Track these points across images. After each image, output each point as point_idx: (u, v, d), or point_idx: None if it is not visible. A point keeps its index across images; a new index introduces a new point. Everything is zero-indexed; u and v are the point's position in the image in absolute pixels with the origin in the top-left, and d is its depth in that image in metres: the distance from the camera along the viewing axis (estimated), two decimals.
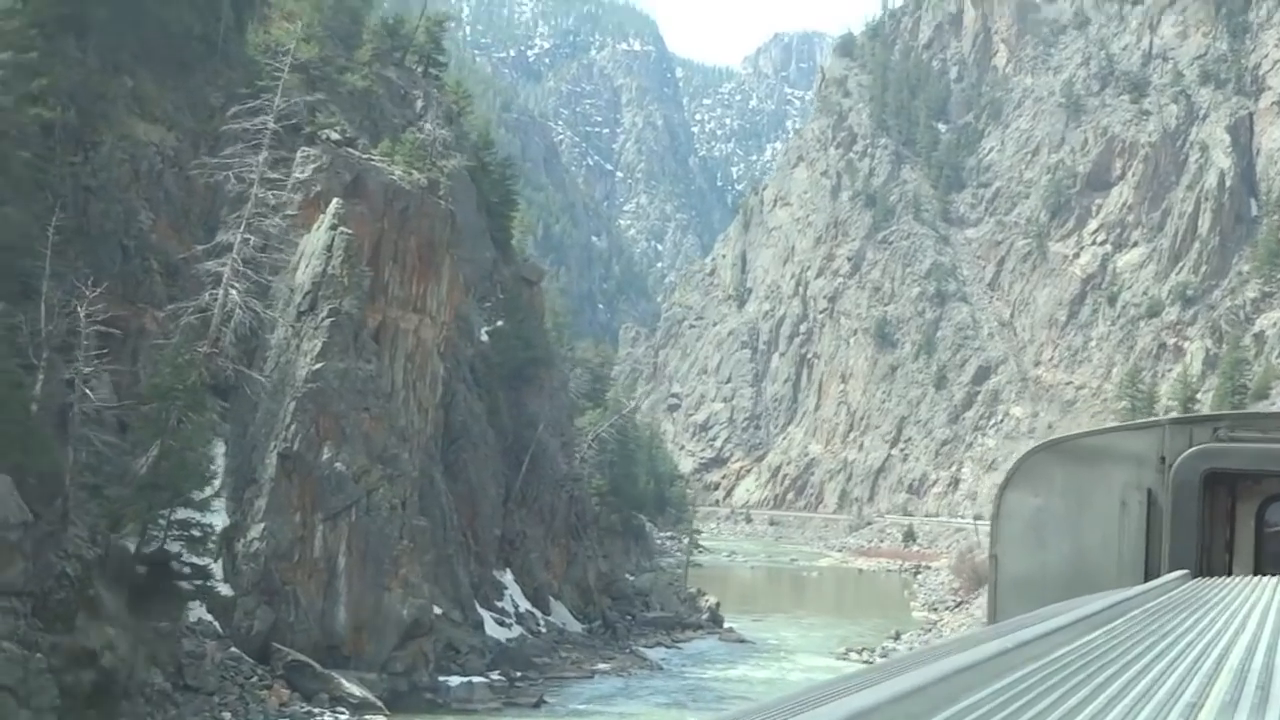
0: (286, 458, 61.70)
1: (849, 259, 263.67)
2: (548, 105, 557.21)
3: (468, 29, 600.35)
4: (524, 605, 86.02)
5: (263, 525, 61.10)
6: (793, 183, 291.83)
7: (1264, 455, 14.76)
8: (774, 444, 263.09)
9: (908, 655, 6.53)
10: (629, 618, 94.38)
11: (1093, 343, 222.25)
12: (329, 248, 64.60)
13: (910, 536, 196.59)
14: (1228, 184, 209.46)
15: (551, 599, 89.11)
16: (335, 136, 70.81)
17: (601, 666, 78.85)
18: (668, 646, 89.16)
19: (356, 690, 59.41)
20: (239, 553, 60.95)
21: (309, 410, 62.37)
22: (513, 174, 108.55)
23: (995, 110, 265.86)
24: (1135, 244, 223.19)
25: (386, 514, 63.66)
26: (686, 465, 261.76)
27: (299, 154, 69.01)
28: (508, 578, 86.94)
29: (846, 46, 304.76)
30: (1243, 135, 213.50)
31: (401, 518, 64.52)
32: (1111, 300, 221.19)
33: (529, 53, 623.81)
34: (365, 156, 70.96)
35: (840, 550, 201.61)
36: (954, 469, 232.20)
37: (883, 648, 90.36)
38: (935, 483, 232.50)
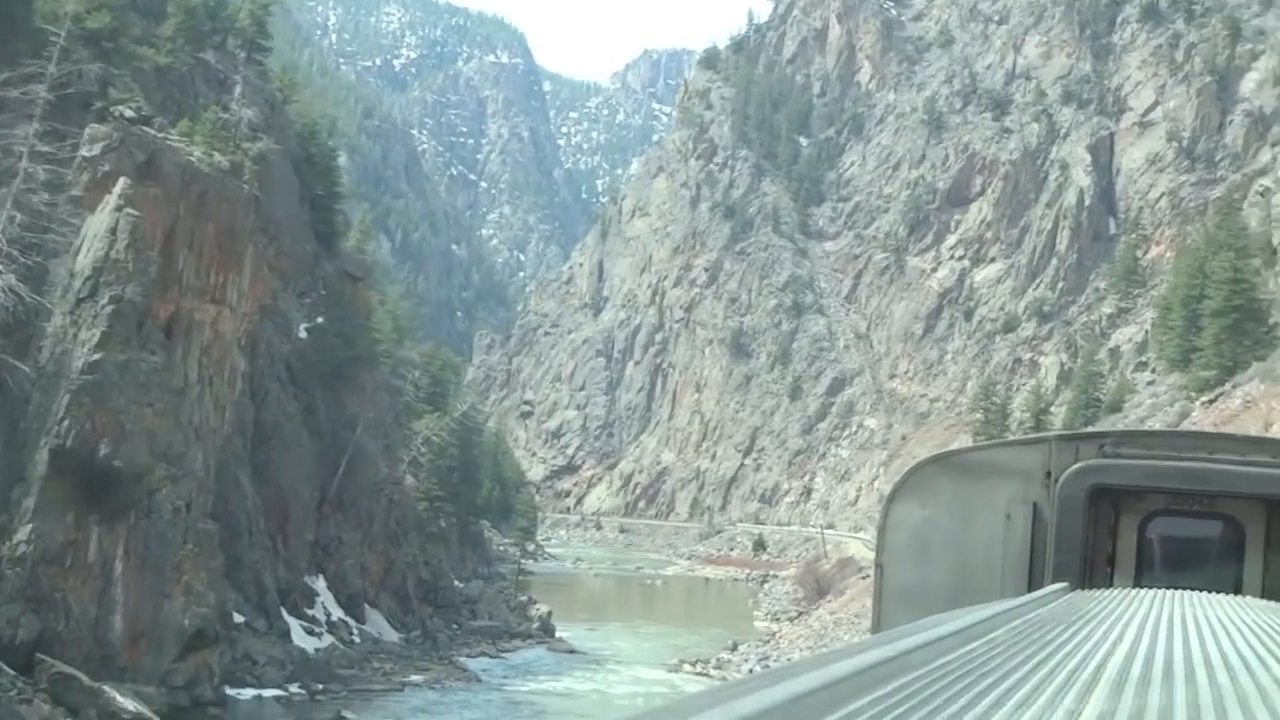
0: (59, 455, 56.74)
1: (706, 269, 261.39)
2: (412, 114, 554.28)
3: (334, 37, 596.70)
4: (337, 613, 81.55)
5: (30, 527, 56.07)
6: (652, 193, 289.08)
7: (1148, 471, 15.25)
8: (626, 452, 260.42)
9: (790, 664, 6.09)
10: (454, 626, 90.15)
11: (948, 356, 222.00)
12: (113, 230, 59.76)
13: (760, 545, 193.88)
14: (1086, 202, 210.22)
15: (367, 607, 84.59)
16: (129, 114, 65.89)
17: (414, 678, 74.45)
18: (491, 656, 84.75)
19: (130, 705, 54.67)
20: (3, 556, 55.87)
21: (85, 404, 57.49)
22: (337, 165, 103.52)
23: (857, 125, 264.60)
24: (993, 260, 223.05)
25: (170, 516, 58.97)
26: (538, 472, 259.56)
27: (87, 131, 64.05)
28: (320, 584, 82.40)
29: (711, 59, 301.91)
30: (1103, 155, 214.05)
31: (186, 520, 59.85)
32: (968, 315, 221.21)
33: (395, 62, 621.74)
34: (161, 136, 66.11)
35: (689, 558, 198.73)
36: (807, 479, 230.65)
37: (718, 659, 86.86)
38: (788, 492, 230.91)
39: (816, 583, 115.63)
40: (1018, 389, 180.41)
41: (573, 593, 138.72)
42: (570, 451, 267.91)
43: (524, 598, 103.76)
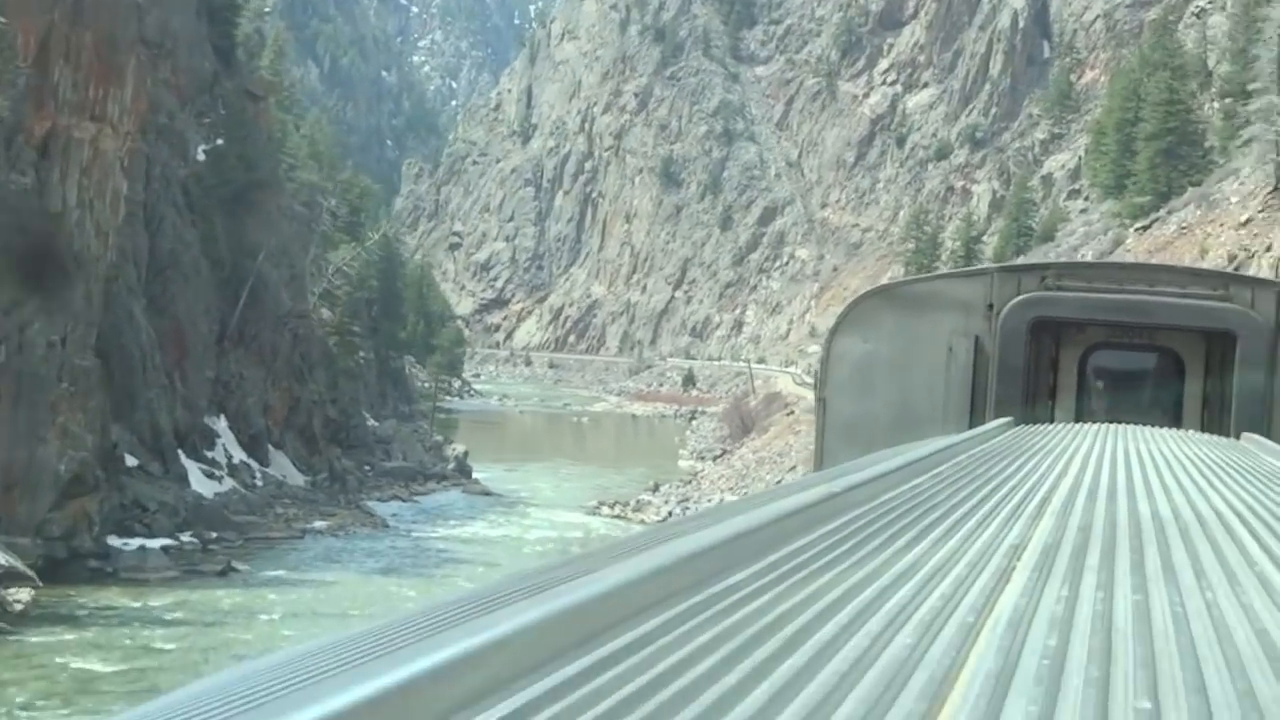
0: None
1: (636, 95, 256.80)
2: None
3: None
4: (239, 455, 77.82)
5: None
6: (581, 15, 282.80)
7: (1089, 304, 15.64)
8: (556, 285, 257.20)
9: (737, 501, 6.68)
10: (365, 468, 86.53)
11: (880, 184, 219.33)
12: None
13: (690, 381, 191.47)
14: (1020, 25, 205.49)
15: (271, 448, 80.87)
16: None
17: (318, 524, 70.99)
18: (403, 500, 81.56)
19: (1, 558, 51.24)
20: None
21: None
22: None
23: None
24: (925, 85, 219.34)
25: (43, 353, 55.14)
26: (467, 306, 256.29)
27: None
28: (221, 424, 78.55)
29: None
30: None
31: (61, 357, 56.03)
32: (900, 142, 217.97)
33: None
34: None
35: (619, 394, 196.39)
36: (738, 312, 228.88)
37: (638, 501, 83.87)
38: (719, 325, 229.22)
39: (741, 420, 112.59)
40: (950, 218, 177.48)
41: (495, 431, 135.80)
42: (499, 284, 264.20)
43: (439, 437, 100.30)
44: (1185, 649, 3.42)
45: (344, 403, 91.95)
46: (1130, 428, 13.45)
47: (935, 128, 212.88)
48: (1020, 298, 15.33)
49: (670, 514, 71.95)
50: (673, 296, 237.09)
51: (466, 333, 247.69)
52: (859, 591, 4.14)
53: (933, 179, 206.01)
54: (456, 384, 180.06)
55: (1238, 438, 14.02)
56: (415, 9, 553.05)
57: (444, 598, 5.28)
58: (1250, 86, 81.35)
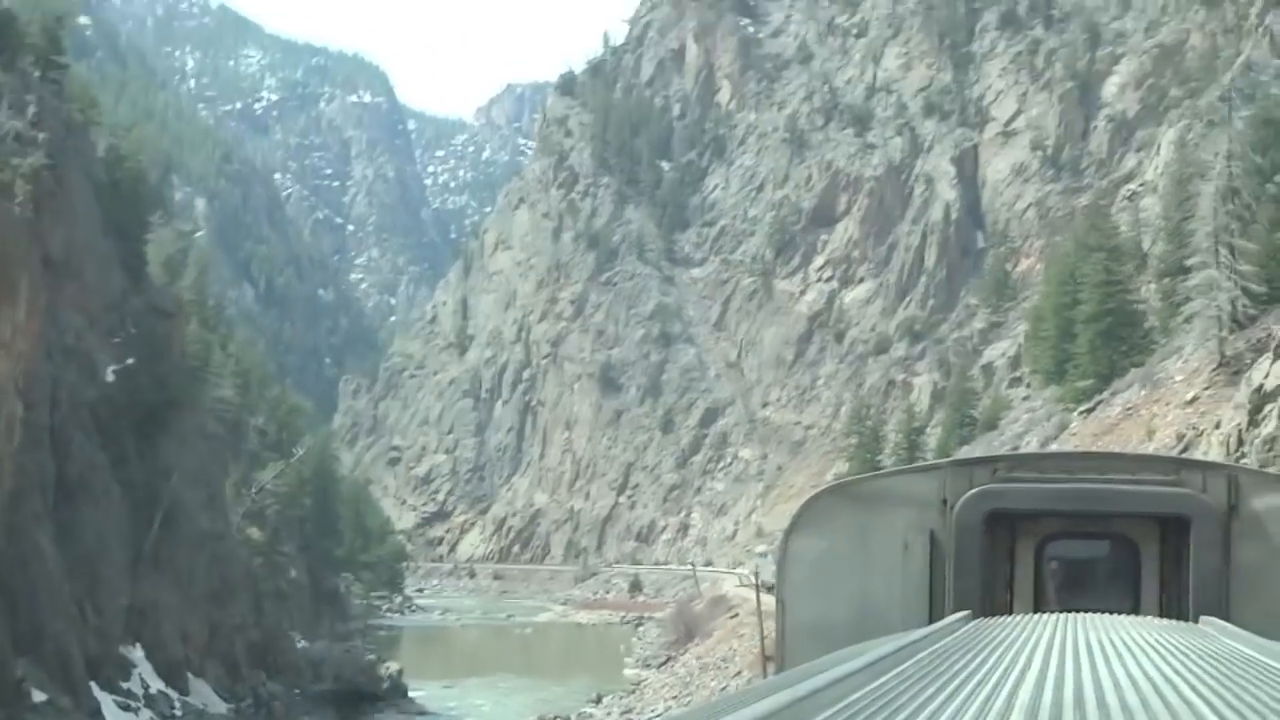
0: None
1: (572, 302, 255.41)
2: (275, 158, 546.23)
3: (192, 82, 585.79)
4: (156, 685, 73.89)
5: None
6: (514, 225, 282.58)
7: (1042, 495, 15.37)
8: (499, 495, 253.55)
9: (701, 706, 6.38)
10: (296, 692, 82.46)
11: (821, 381, 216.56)
12: None
13: (636, 586, 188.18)
14: (953, 216, 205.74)
15: (191, 676, 76.95)
16: None
17: None
18: None
19: None
20: None
21: None
22: (148, 194, 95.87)
23: (719, 147, 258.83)
24: (862, 280, 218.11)
25: None
26: (409, 520, 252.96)
27: None
28: (137, 654, 74.79)
29: (568, 85, 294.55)
30: (968, 167, 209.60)
31: None
32: (839, 337, 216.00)
33: (256, 105, 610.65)
34: None
35: (565, 603, 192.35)
36: (683, 514, 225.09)
37: (579, 714, 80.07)
38: (664, 529, 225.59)
39: (685, 625, 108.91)
40: (892, 411, 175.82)
41: (436, 647, 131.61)
42: (441, 497, 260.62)
43: (372, 655, 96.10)
44: None
45: (270, 625, 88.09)
46: (1089, 616, 13.26)
47: (873, 322, 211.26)
48: (973, 491, 15.11)
49: None
50: (616, 502, 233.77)
51: (409, 547, 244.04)
52: None
53: (873, 373, 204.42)
54: (398, 600, 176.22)
55: (1196, 621, 13.99)
56: (351, 227, 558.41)
57: None
58: (1188, 262, 79.55)
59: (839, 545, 15.47)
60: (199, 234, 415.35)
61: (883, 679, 7.14)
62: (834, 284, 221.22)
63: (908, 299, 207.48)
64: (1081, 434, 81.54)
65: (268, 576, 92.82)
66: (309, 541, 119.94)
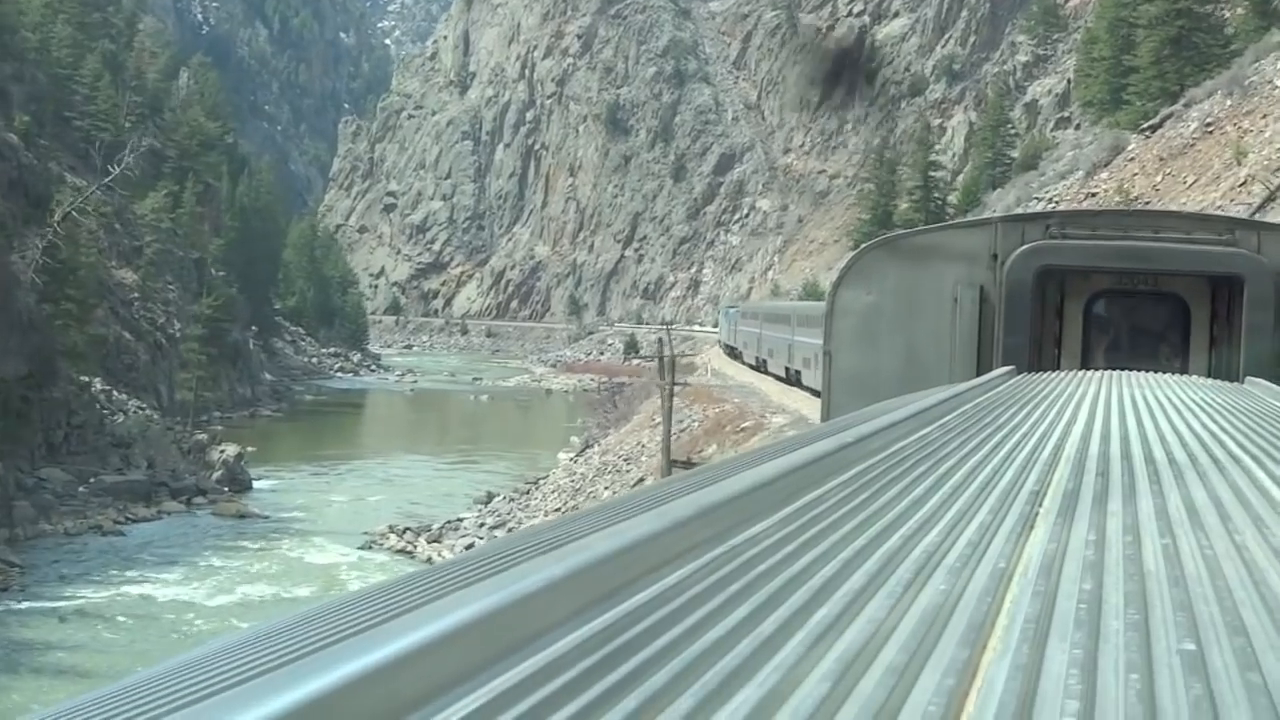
0: None
1: (579, 36, 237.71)
2: None
3: None
4: None
5: None
6: None
7: (1093, 251, 16.21)
8: (498, 246, 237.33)
9: (751, 452, 6.67)
10: (90, 480, 62.79)
11: (848, 126, 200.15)
12: None
13: (632, 347, 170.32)
14: None
15: None
16: None
17: None
18: (102, 532, 56.94)
19: None
20: None
21: None
22: None
23: None
24: (897, 14, 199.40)
25: None
26: (403, 272, 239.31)
27: None
28: None
29: None
30: None
31: None
32: (870, 78, 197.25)
33: None
34: None
35: (553, 365, 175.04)
36: (694, 270, 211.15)
37: (445, 525, 59.38)
38: (673, 286, 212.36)
39: (615, 403, 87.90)
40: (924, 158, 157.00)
41: (351, 419, 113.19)
42: (437, 247, 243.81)
43: (203, 435, 74.93)
44: (1221, 591, 3.46)
45: (75, 396, 68.55)
46: (1133, 374, 14.00)
47: (908, 60, 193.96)
48: (1025, 247, 15.73)
49: (471, 546, 48.86)
50: (622, 255, 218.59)
51: (403, 300, 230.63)
52: (884, 539, 4.12)
53: (906, 117, 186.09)
54: (356, 358, 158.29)
55: (1243, 381, 14.16)
56: None
57: (465, 555, 5.19)
58: None
59: (886, 299, 16.19)
60: None
61: (928, 428, 7.36)
62: (865, 19, 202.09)
63: (947, 35, 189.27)
64: (1142, 158, 61.51)
65: (61, 329, 71.53)
66: (206, 288, 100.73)
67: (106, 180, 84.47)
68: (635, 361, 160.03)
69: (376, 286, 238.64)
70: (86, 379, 73.21)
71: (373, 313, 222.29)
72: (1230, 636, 2.87)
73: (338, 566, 51.89)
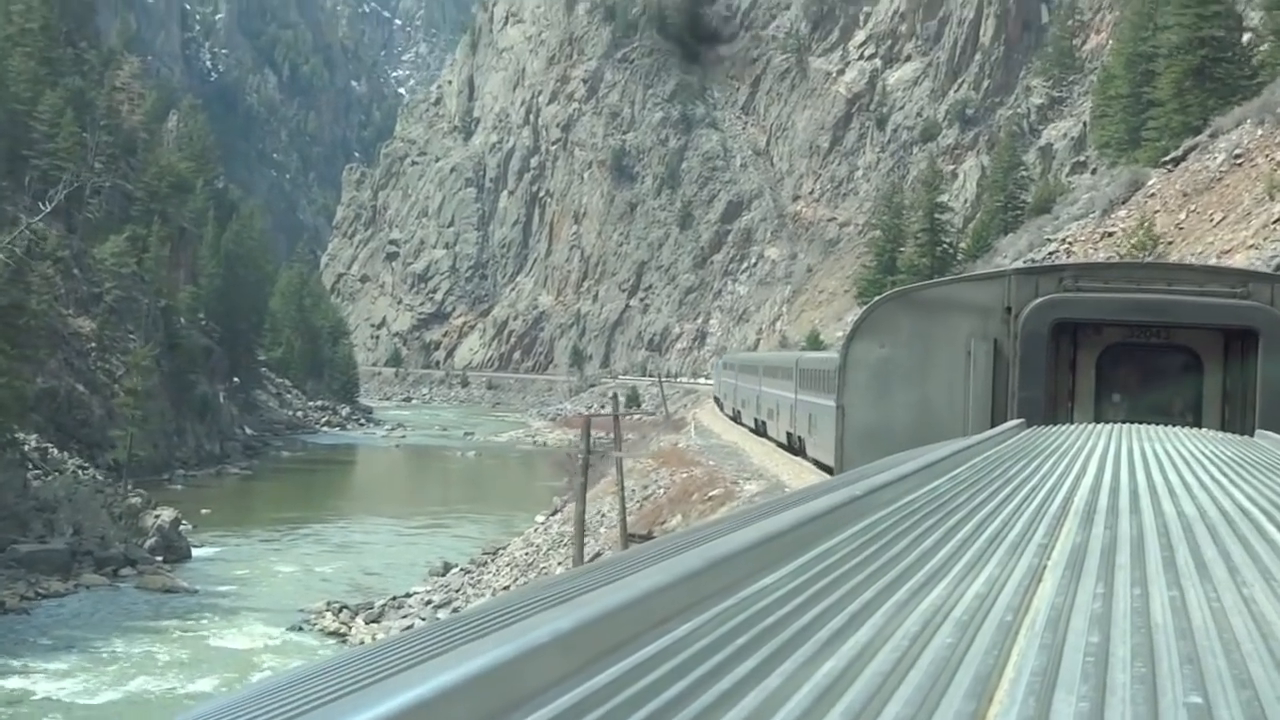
0: None
1: (585, 81, 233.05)
2: None
3: None
4: None
5: None
6: None
7: (1106, 305, 16.21)
8: (501, 296, 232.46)
9: (761, 504, 6.64)
10: (4, 550, 56.63)
11: (859, 173, 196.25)
12: None
13: (634, 401, 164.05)
14: None
15: None
16: None
17: None
18: (5, 610, 50.79)
19: None
20: None
21: None
22: None
23: None
24: (908, 58, 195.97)
25: None
26: (404, 322, 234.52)
27: None
28: None
29: None
30: None
31: None
32: (880, 123, 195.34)
33: None
34: None
35: (553, 419, 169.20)
36: (700, 320, 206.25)
37: (389, 602, 53.49)
38: (679, 337, 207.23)
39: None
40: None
41: (326, 476, 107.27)
42: (439, 296, 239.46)
43: (136, 499, 68.81)
44: (1229, 644, 3.47)
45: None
46: (1145, 427, 14.15)
47: (920, 105, 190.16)
48: (1039, 300, 15.78)
49: (410, 627, 43.16)
50: (627, 305, 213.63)
51: (404, 351, 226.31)
52: (892, 592, 4.17)
53: (919, 163, 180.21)
54: (344, 411, 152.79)
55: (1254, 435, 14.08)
56: (399, 22, 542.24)
57: (468, 609, 4.90)
58: None
59: (899, 352, 16.23)
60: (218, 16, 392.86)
61: (938, 481, 7.42)
62: (876, 62, 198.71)
63: (960, 80, 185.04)
64: (1164, 194, 55.93)
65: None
66: (176, 339, 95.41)
67: (37, 219, 78.74)
68: (635, 416, 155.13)
69: (378, 337, 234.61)
70: (21, 435, 67.77)
71: (374, 364, 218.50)
72: (1237, 690, 2.88)
73: (257, 652, 45.95)
